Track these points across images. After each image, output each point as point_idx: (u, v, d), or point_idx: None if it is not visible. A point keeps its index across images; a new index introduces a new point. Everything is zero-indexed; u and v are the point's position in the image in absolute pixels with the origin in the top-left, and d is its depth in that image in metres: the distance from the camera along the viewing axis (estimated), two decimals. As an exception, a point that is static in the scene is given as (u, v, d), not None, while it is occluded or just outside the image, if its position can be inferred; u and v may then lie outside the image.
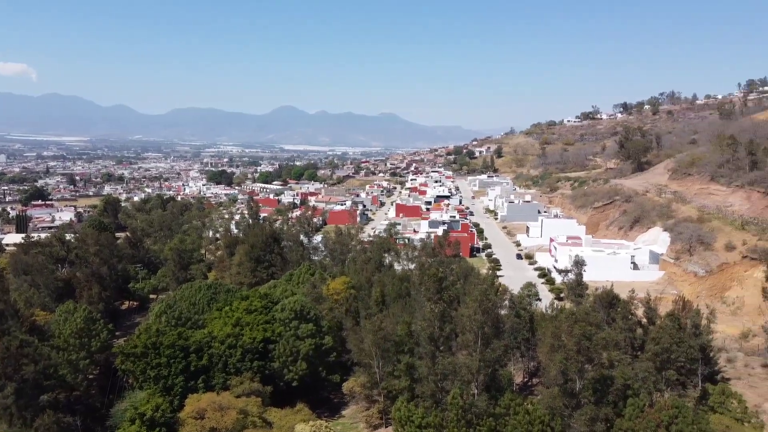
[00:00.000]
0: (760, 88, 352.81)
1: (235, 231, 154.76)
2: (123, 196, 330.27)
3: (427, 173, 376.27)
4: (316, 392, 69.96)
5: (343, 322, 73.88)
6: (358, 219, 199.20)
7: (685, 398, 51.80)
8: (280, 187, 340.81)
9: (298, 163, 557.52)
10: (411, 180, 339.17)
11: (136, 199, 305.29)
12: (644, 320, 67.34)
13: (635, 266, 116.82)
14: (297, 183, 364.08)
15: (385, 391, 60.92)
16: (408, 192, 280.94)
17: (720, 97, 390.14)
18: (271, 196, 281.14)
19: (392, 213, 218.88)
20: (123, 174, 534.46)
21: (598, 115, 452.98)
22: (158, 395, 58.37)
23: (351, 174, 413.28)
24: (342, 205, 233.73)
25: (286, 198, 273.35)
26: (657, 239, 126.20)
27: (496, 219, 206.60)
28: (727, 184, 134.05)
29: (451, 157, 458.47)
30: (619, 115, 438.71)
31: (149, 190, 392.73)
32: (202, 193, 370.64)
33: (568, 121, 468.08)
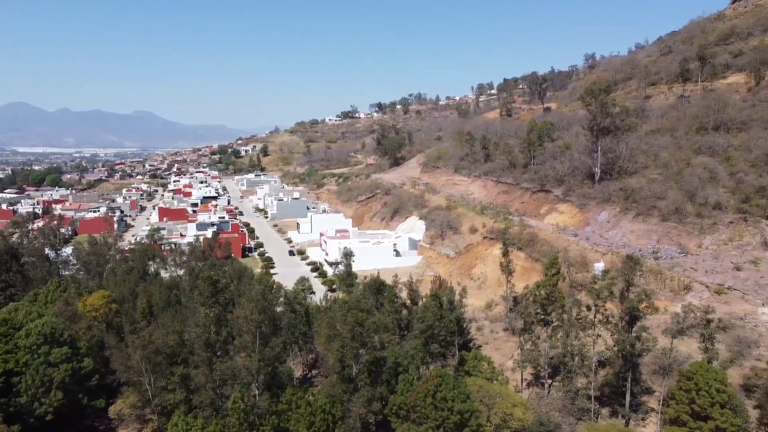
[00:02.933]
0: (488, 92, 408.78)
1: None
2: None
3: (192, 174, 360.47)
4: (77, 422, 62.35)
5: (105, 340, 66.96)
6: (116, 226, 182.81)
7: (447, 367, 57.77)
8: (16, 195, 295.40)
9: (37, 168, 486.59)
10: (174, 182, 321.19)
11: None
12: (408, 302, 73.44)
13: (397, 253, 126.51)
14: (37, 190, 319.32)
15: (158, 407, 56.84)
16: (172, 194, 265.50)
17: (458, 98, 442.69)
18: (4, 207, 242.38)
19: (155, 217, 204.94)
20: None
21: (357, 114, 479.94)
22: None
23: (104, 177, 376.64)
24: (95, 212, 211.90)
25: (24, 207, 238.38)
26: (414, 227, 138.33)
27: (267, 217, 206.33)
28: (467, 175, 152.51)
29: (217, 157, 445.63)
30: (375, 114, 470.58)
31: None
32: None
33: (330, 119, 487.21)
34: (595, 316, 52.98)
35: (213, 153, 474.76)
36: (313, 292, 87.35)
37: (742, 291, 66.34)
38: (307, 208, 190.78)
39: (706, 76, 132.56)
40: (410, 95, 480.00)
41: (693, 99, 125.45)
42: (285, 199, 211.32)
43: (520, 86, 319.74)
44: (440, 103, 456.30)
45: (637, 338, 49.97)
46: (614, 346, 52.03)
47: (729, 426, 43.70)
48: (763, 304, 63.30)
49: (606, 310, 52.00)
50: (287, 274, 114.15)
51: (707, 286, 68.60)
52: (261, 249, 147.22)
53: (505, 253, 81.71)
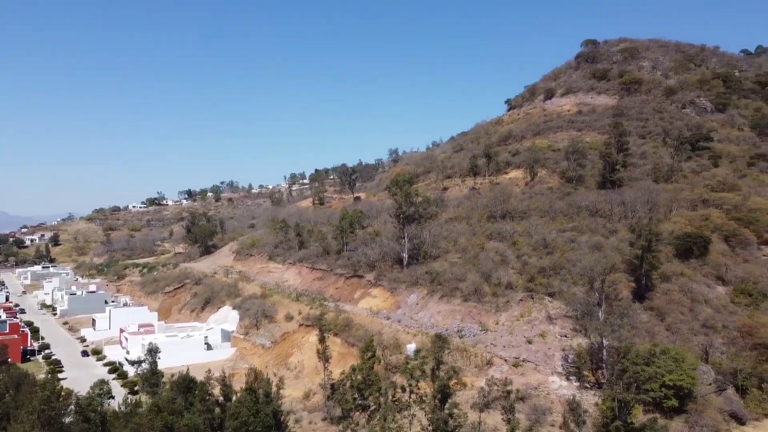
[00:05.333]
0: (301, 181, 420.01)
1: None
2: None
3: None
4: None
5: None
6: None
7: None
8: None
9: None
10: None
11: None
12: (221, 398, 68.75)
13: (209, 346, 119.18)
14: None
15: None
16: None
17: (271, 187, 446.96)
18: None
19: None
20: None
21: (164, 201, 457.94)
22: None
23: None
24: None
25: None
26: (227, 317, 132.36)
27: (56, 314, 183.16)
28: (282, 261, 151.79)
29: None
30: (185, 201, 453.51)
31: None
32: None
33: (134, 206, 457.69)
34: (410, 397, 54.47)
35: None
36: (113, 396, 78.13)
37: (534, 362, 73.34)
38: (106, 302, 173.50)
39: (492, 171, 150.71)
40: (222, 183, 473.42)
41: (482, 191, 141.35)
42: (79, 292, 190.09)
43: (331, 177, 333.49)
44: (253, 191, 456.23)
45: (449, 415, 52.12)
46: (429, 425, 53.59)
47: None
48: (552, 374, 70.46)
49: (420, 389, 53.83)
50: (80, 377, 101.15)
51: (506, 360, 74.73)
52: (47, 351, 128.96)
53: (322, 340, 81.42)
